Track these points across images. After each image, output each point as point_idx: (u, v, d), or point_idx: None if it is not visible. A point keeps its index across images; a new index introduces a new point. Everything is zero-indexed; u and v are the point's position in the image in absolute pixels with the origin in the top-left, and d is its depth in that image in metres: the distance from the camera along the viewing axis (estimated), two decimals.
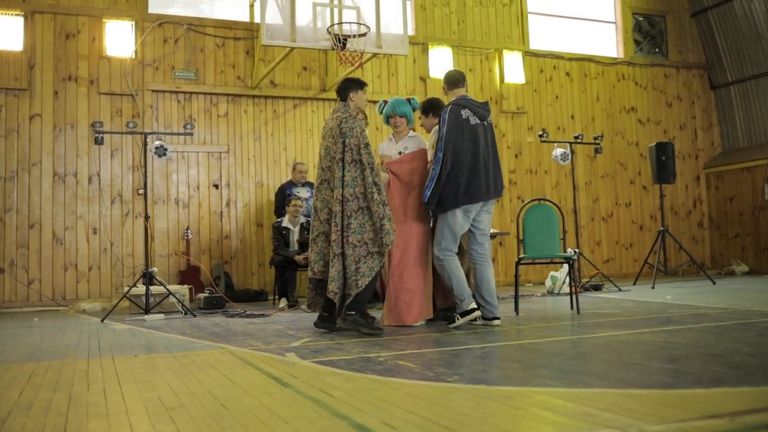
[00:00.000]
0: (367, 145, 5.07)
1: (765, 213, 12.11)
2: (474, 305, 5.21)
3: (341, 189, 4.97)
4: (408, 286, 5.44)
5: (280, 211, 8.82)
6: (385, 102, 5.86)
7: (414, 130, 6.05)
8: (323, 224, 5.15)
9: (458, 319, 5.20)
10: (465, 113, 5.26)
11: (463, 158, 5.18)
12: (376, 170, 5.06)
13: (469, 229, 5.36)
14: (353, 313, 5.03)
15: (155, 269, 7.58)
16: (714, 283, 9.36)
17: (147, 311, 7.16)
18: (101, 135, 7.68)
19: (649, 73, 12.93)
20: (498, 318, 5.27)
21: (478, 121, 5.29)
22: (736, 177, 12.66)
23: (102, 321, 6.82)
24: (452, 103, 5.35)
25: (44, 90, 9.23)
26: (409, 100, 5.80)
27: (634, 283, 9.82)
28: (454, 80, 5.50)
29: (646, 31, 13.15)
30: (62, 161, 9.24)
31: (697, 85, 13.31)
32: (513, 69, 11.67)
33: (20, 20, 9.16)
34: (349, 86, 5.31)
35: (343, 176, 4.98)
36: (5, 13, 9.11)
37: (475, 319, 5.19)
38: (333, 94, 10.27)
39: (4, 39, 9.06)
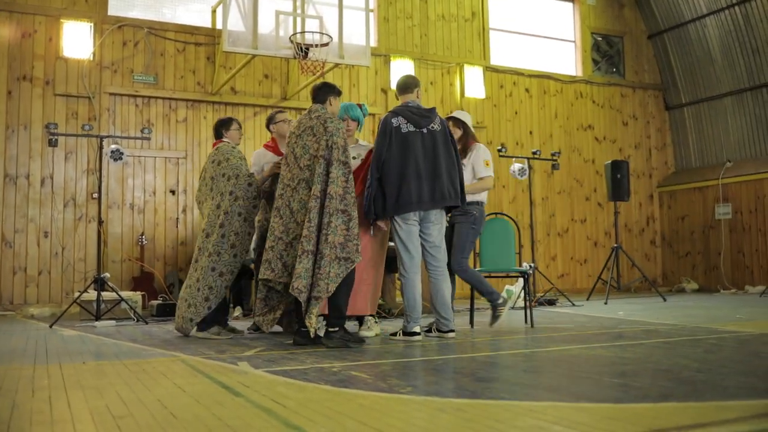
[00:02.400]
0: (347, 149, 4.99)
1: (715, 232, 12.40)
2: (418, 329, 5.17)
3: (323, 185, 4.77)
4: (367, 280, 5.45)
5: None
6: None
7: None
8: (300, 226, 4.85)
9: (400, 335, 5.23)
10: (396, 121, 5.19)
11: (391, 167, 5.10)
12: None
13: (421, 242, 5.27)
14: (337, 329, 4.82)
15: (107, 275, 7.43)
16: (665, 300, 9.54)
17: (98, 317, 7.02)
18: (55, 137, 7.53)
19: (606, 92, 13.17)
20: (453, 331, 5.25)
21: (412, 129, 5.17)
22: (688, 196, 12.95)
23: (51, 327, 6.66)
24: (388, 111, 5.34)
25: None
26: (360, 105, 5.78)
27: (588, 299, 9.96)
28: (403, 86, 5.45)
29: (604, 51, 13.41)
30: (14, 162, 9.03)
31: (652, 105, 13.60)
32: (474, 84, 11.78)
33: None
34: (330, 91, 5.21)
35: (327, 173, 4.78)
36: None
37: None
38: (294, 103, 10.25)
39: None
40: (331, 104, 5.14)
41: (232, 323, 6.09)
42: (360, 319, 5.73)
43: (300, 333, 4.87)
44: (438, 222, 5.28)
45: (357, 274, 5.14)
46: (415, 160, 5.13)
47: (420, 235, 5.25)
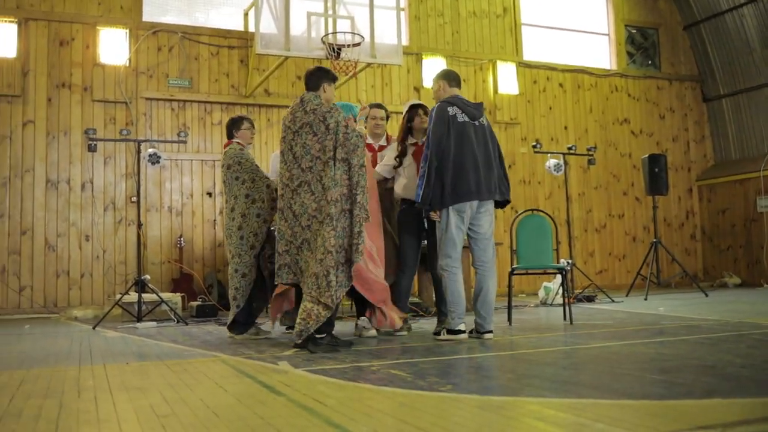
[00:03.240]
0: (358, 146, 4.73)
1: (757, 225, 12.16)
2: (463, 327, 5.00)
3: (348, 189, 4.62)
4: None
5: None
6: None
7: None
8: (305, 230, 4.69)
9: (444, 333, 5.05)
10: (452, 110, 5.07)
11: (447, 155, 4.98)
12: (362, 170, 4.70)
13: (469, 234, 5.13)
14: (324, 336, 4.75)
15: (148, 277, 7.55)
16: (706, 295, 9.38)
17: (139, 319, 7.13)
18: (94, 142, 7.67)
19: (641, 85, 12.99)
20: (490, 332, 5.06)
21: (467, 119, 5.07)
22: (728, 189, 12.71)
23: (94, 328, 6.79)
24: (441, 101, 5.18)
25: (38, 97, 9.21)
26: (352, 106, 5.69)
27: (627, 295, 9.83)
28: (456, 78, 5.33)
29: (638, 44, 13.22)
30: (55, 168, 9.21)
31: (689, 98, 13.38)
32: (506, 80, 11.70)
33: (14, 27, 9.14)
34: (324, 76, 4.91)
35: (333, 175, 4.60)
36: None
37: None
38: None
39: None
40: (324, 91, 4.87)
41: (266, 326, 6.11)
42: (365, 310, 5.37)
43: (314, 341, 4.68)
44: (489, 214, 5.13)
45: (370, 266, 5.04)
46: (471, 151, 5.01)
47: (469, 228, 5.09)
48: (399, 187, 5.61)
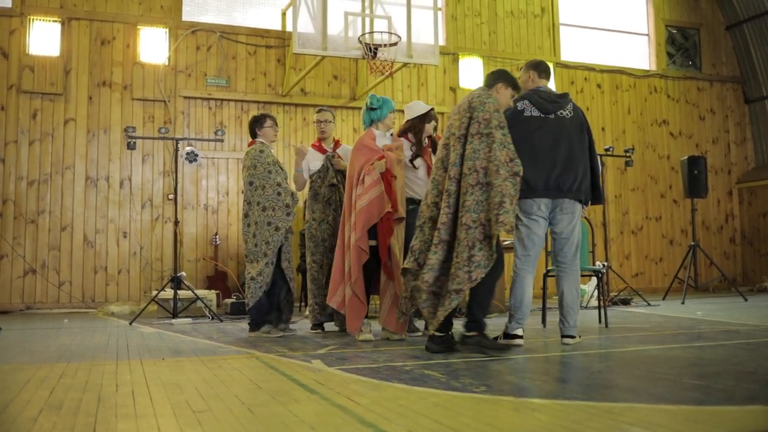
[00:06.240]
0: (501, 125, 4.39)
1: None
2: (520, 332, 4.75)
3: (459, 167, 4.34)
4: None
5: None
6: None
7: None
8: (430, 208, 4.46)
9: (501, 338, 4.79)
10: (522, 105, 4.85)
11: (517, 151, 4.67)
12: (510, 150, 4.34)
13: (552, 235, 4.91)
14: (474, 334, 4.36)
15: (183, 274, 7.65)
16: (746, 300, 9.20)
17: (175, 315, 7.22)
18: (133, 140, 7.79)
19: (681, 86, 12.80)
20: (570, 336, 4.81)
21: (536, 114, 4.79)
22: None
23: (130, 324, 6.88)
24: (516, 98, 4.96)
25: (79, 95, 9.38)
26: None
27: (664, 298, 9.70)
28: (546, 69, 5.06)
29: (679, 44, 13.03)
30: (95, 165, 9.37)
31: (730, 99, 13.15)
32: None
33: (57, 26, 9.32)
34: (502, 78, 4.74)
35: (463, 152, 4.34)
36: (43, 20, 9.28)
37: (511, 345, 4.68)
38: (363, 103, 10.29)
39: (41, 44, 9.23)
40: (498, 92, 4.67)
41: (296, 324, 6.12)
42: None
43: (434, 339, 4.44)
44: (568, 212, 4.77)
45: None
46: (535, 146, 4.70)
47: (550, 227, 4.86)
48: (410, 188, 5.56)
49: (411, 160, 5.55)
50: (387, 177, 5.19)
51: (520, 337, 4.77)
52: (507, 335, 4.78)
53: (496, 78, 4.74)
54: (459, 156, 4.35)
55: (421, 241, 4.45)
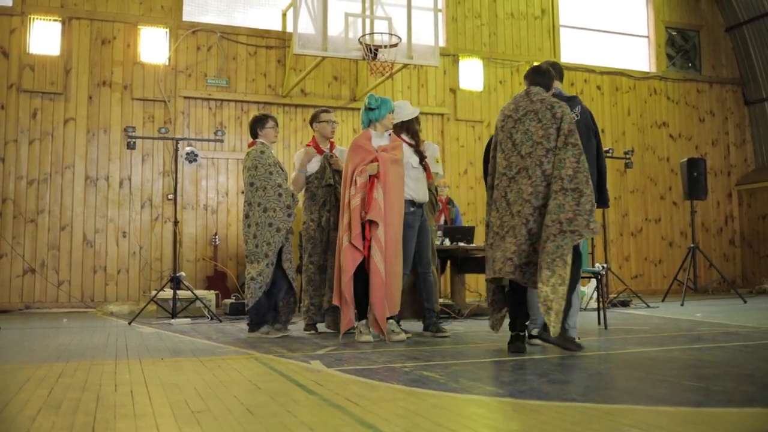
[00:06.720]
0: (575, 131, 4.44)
1: None
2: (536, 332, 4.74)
3: (545, 178, 4.35)
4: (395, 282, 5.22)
5: None
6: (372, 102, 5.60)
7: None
8: (514, 217, 4.40)
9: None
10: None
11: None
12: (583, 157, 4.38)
13: None
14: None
15: (183, 274, 7.65)
16: (745, 302, 9.21)
17: (174, 315, 7.22)
18: (133, 140, 7.79)
19: (681, 88, 12.81)
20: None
21: None
22: None
23: (129, 324, 6.88)
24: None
25: (79, 94, 9.38)
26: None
27: (663, 300, 9.70)
28: (557, 71, 5.06)
29: (679, 46, 13.04)
30: (94, 165, 9.37)
31: (730, 101, 13.16)
32: None
33: (58, 26, 9.33)
34: (557, 72, 4.81)
35: (552, 161, 4.34)
36: (44, 19, 9.28)
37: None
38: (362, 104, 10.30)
39: (42, 44, 9.24)
40: (551, 87, 4.72)
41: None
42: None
43: (519, 338, 4.49)
44: None
45: (382, 274, 5.02)
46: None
47: None
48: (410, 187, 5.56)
49: (420, 162, 5.62)
50: (373, 179, 5.19)
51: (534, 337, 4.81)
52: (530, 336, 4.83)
53: (552, 76, 4.72)
54: (550, 164, 4.34)
55: (503, 251, 4.42)
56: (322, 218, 5.90)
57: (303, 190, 6.07)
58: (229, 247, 9.82)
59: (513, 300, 4.57)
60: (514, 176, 4.47)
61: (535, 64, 5.43)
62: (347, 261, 5.11)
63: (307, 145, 6.15)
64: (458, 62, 11.24)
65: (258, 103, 10.12)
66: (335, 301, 5.29)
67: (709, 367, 3.73)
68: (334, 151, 6.11)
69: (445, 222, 8.73)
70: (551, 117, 4.41)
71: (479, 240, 8.82)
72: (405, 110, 5.73)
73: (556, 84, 5.01)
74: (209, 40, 10.03)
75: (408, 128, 5.71)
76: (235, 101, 10.07)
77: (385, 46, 8.55)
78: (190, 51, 9.95)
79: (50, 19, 9.30)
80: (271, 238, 5.56)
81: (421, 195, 5.59)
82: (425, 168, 5.69)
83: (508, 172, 4.51)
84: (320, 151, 6.05)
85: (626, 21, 12.76)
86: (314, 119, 6.20)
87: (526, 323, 4.68)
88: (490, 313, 4.77)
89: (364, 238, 5.12)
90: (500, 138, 4.64)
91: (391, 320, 5.27)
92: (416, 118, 5.79)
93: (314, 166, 6.02)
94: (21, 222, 9.03)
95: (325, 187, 5.95)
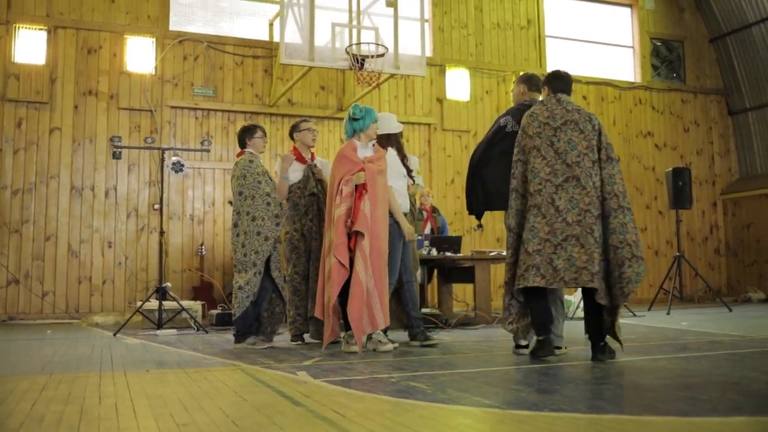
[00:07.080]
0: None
1: None
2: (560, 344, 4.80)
3: (598, 190, 4.45)
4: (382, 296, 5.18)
5: None
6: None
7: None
8: (573, 226, 4.40)
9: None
10: (504, 120, 4.95)
11: (493, 166, 4.88)
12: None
13: None
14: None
15: (169, 284, 7.60)
16: (730, 311, 9.26)
17: (159, 326, 7.17)
18: (119, 150, 7.76)
19: (666, 98, 12.91)
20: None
21: (518, 129, 4.78)
22: (753, 203, 12.57)
23: (114, 335, 6.83)
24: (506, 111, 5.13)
25: (65, 104, 9.34)
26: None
27: (649, 309, 9.73)
28: (535, 82, 5.16)
29: (663, 56, 13.15)
30: (80, 175, 9.31)
31: (714, 111, 13.27)
32: None
33: (43, 35, 9.29)
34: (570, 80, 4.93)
35: (600, 174, 4.47)
36: (29, 28, 9.24)
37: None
38: None
39: (27, 53, 9.20)
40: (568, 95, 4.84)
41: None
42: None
43: (543, 343, 4.54)
44: None
45: (363, 285, 4.98)
46: (509, 163, 4.74)
47: None
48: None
49: (408, 174, 5.70)
50: (360, 190, 5.18)
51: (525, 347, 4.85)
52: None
53: (571, 81, 4.84)
54: (598, 175, 4.47)
55: (564, 260, 4.42)
56: (304, 227, 5.90)
57: (285, 200, 6.06)
58: (215, 257, 9.78)
59: (540, 305, 4.58)
60: (561, 184, 4.48)
61: (528, 71, 5.49)
62: (335, 280, 5.06)
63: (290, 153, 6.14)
64: (445, 72, 11.28)
65: (245, 112, 10.10)
66: (317, 314, 5.28)
67: (695, 376, 3.74)
68: (315, 161, 6.11)
69: (432, 231, 8.73)
70: (591, 128, 4.55)
71: (466, 249, 8.82)
72: (392, 123, 5.75)
73: (533, 95, 5.09)
74: (196, 50, 10.01)
75: (396, 141, 5.75)
76: (222, 111, 10.05)
77: (372, 56, 8.57)
78: (177, 60, 9.92)
79: (36, 28, 9.27)
80: (260, 246, 5.54)
81: (405, 205, 5.64)
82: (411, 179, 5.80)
83: (554, 179, 4.50)
84: (303, 161, 6.03)
85: (611, 31, 12.86)
86: (294, 129, 6.20)
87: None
88: (509, 321, 4.70)
89: (349, 249, 5.11)
90: (537, 144, 4.60)
91: (378, 331, 5.24)
92: (401, 132, 5.84)
93: (297, 175, 6.00)
94: (5, 232, 8.95)
95: (309, 197, 5.95)
